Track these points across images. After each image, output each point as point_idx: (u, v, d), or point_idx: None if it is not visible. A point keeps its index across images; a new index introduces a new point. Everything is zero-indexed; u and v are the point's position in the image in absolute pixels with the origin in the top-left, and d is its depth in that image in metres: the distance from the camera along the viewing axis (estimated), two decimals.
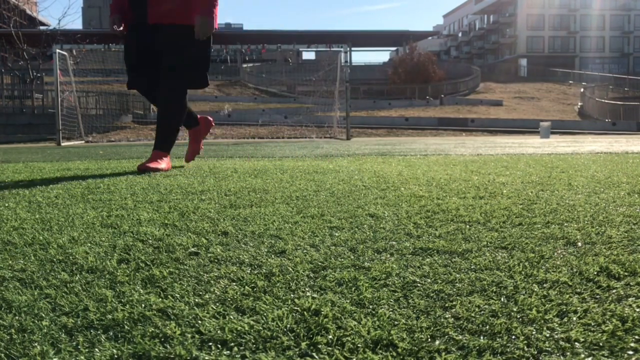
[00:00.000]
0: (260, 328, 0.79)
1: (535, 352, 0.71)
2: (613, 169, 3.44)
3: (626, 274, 1.04)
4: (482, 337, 0.75)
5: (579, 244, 1.29)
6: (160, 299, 0.92)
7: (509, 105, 38.86)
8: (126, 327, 0.80)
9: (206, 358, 0.70)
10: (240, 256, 1.21)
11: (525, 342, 0.74)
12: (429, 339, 0.75)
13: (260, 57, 52.46)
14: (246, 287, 0.98)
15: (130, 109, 23.79)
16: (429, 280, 1.01)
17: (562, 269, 1.07)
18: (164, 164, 3.68)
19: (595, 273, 1.04)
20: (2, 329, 0.80)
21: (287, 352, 0.72)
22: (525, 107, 38.57)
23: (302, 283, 1.00)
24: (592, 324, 0.79)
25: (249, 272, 1.08)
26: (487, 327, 0.79)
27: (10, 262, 1.18)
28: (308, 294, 0.94)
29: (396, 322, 0.80)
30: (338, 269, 1.08)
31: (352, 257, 1.19)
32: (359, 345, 0.73)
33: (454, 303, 0.89)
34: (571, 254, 1.20)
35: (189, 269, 1.10)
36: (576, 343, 0.73)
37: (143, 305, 0.89)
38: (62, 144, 13.24)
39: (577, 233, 1.41)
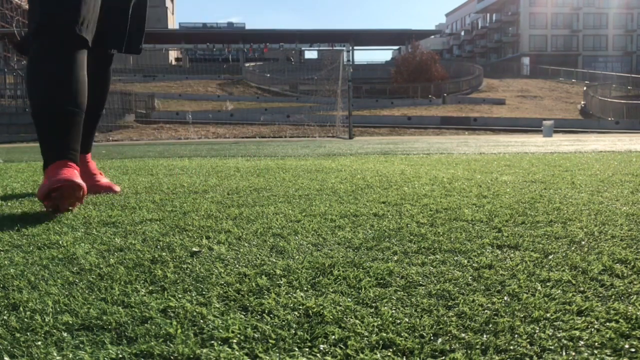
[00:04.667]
0: (263, 327, 0.79)
1: (539, 351, 0.70)
2: (616, 167, 3.43)
3: (630, 272, 1.04)
4: (485, 336, 0.75)
5: (583, 242, 1.29)
6: (162, 298, 0.92)
7: (511, 104, 38.81)
8: (129, 326, 0.80)
9: (209, 356, 0.70)
10: (243, 255, 1.21)
11: (529, 340, 0.73)
12: (432, 338, 0.75)
13: (262, 56, 52.47)
14: (248, 286, 0.98)
15: (133, 108, 23.82)
16: (432, 279, 1.01)
17: (566, 268, 1.07)
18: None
19: (599, 272, 1.04)
20: (6, 328, 0.80)
21: (290, 351, 0.72)
22: (528, 105, 38.52)
23: (304, 282, 1.00)
24: (596, 323, 0.79)
25: (251, 271, 1.08)
26: (491, 325, 0.78)
27: (13, 261, 1.19)
28: (311, 293, 0.94)
29: (399, 321, 0.80)
30: (341, 268, 1.08)
31: (355, 256, 1.18)
32: (362, 344, 0.73)
33: (457, 302, 0.88)
34: (574, 252, 1.19)
35: (191, 268, 1.10)
36: (579, 342, 0.73)
37: (145, 304, 0.89)
38: None
39: (580, 232, 1.40)
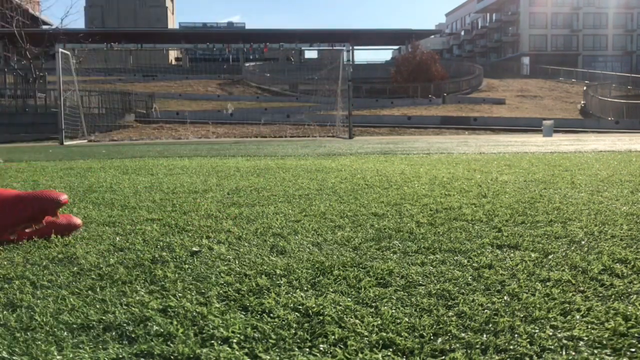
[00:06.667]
0: (263, 327, 0.79)
1: (539, 350, 0.70)
2: (616, 167, 3.43)
3: (629, 272, 1.04)
4: (485, 335, 0.75)
5: (583, 242, 1.29)
6: (162, 298, 0.92)
7: (511, 103, 38.80)
8: (129, 326, 0.80)
9: (209, 356, 0.70)
10: (243, 255, 1.21)
11: (529, 340, 0.73)
12: (432, 337, 0.75)
13: (262, 56, 52.54)
14: (248, 286, 0.98)
15: (133, 108, 23.80)
16: (432, 279, 1.01)
17: (565, 268, 1.07)
18: None
19: (598, 271, 1.04)
20: (6, 328, 0.80)
21: (290, 351, 0.72)
22: (528, 105, 38.51)
23: (304, 282, 1.00)
24: (596, 322, 0.79)
25: (251, 271, 1.08)
26: (491, 325, 0.78)
27: (13, 262, 1.19)
28: (311, 293, 0.94)
29: (399, 321, 0.80)
30: (341, 268, 1.08)
31: (355, 256, 1.18)
32: (362, 344, 0.73)
33: (457, 301, 0.88)
34: (574, 252, 1.19)
35: (191, 268, 1.10)
36: (579, 341, 0.73)
37: (145, 304, 0.89)
38: (65, 143, 13.26)
39: (580, 231, 1.40)
